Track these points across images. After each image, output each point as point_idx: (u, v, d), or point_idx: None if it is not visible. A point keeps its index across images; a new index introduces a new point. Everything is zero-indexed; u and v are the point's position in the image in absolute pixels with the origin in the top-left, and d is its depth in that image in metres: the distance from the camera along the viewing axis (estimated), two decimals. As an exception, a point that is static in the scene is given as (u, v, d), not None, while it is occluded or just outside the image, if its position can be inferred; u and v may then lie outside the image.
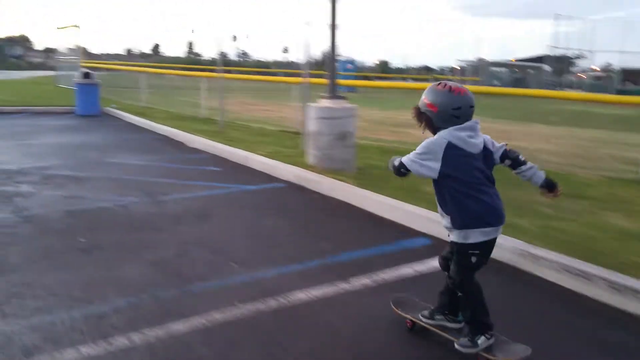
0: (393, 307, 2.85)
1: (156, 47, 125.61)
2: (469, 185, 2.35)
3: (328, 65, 6.98)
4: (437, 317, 2.67)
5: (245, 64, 71.11)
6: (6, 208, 4.80)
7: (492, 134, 2.54)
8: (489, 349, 2.45)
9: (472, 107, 2.37)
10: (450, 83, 2.41)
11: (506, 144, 2.48)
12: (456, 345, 2.51)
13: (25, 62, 47.54)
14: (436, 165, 2.33)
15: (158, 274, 3.40)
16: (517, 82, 41.81)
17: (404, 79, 47.14)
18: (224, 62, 10.92)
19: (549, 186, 2.44)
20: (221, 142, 8.48)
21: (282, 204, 5.45)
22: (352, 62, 32.99)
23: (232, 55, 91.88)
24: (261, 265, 3.61)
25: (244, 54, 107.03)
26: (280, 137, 9.54)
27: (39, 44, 77.96)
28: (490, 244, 2.42)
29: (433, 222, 4.12)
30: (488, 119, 10.47)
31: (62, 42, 23.04)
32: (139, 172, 6.66)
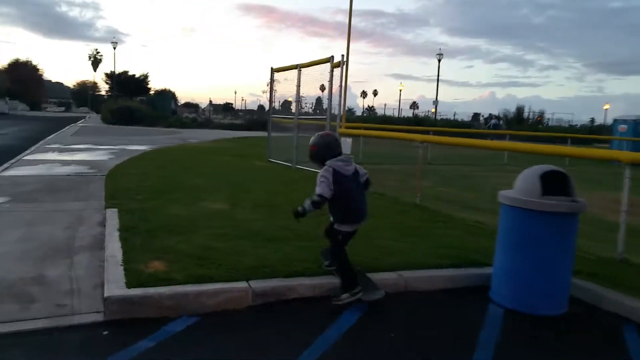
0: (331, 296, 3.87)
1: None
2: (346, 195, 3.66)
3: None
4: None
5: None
6: None
7: None
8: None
9: (336, 141, 3.85)
10: (323, 132, 3.96)
11: (366, 173, 3.85)
12: (332, 301, 3.74)
13: (188, 120, 39.31)
14: (330, 185, 3.60)
15: None
16: None
17: None
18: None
19: None
20: None
21: None
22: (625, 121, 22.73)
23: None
24: None
25: (371, 108, 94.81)
26: None
27: (181, 98, 72.06)
28: (353, 232, 3.79)
29: None
30: None
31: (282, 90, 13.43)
32: None
